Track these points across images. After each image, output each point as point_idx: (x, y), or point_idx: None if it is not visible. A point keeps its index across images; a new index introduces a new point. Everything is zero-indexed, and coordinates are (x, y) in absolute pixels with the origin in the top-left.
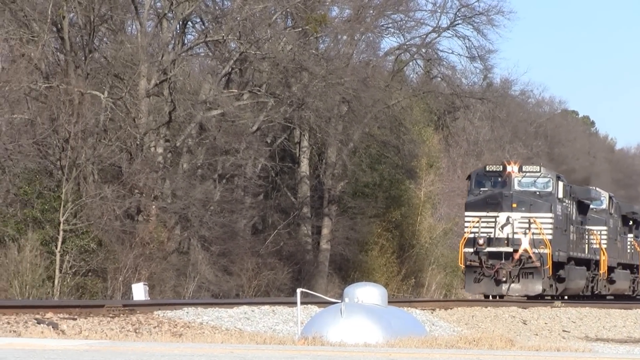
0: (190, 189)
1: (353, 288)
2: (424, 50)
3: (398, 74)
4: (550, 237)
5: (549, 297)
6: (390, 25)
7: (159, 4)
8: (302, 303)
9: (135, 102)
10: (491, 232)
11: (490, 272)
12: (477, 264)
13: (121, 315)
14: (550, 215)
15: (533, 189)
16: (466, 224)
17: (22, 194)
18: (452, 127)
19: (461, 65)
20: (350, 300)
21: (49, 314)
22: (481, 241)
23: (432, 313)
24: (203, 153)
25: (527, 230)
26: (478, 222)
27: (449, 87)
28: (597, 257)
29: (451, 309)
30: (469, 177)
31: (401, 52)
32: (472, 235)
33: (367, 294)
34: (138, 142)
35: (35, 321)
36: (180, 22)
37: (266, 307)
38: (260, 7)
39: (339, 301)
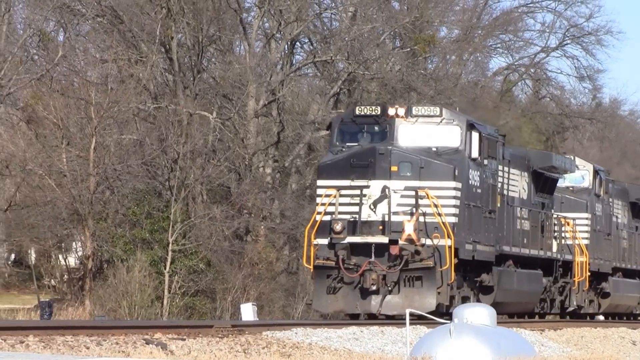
0: (299, 209)
1: (462, 309)
2: (532, 70)
3: (507, 94)
4: (454, 219)
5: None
6: (499, 45)
7: (267, 25)
8: (411, 324)
9: (243, 123)
10: (356, 213)
11: (352, 277)
12: (333, 264)
13: (230, 335)
14: (453, 185)
15: (429, 143)
16: (318, 200)
17: (131, 215)
18: (561, 148)
19: (570, 85)
20: (460, 321)
21: (158, 334)
22: (339, 227)
23: (541, 334)
24: (312, 173)
25: (415, 210)
26: (336, 196)
27: (558, 107)
28: (568, 257)
29: (560, 329)
30: (329, 127)
31: (510, 72)
32: (327, 218)
33: (476, 314)
34: (247, 162)
35: (144, 341)
36: (289, 43)
37: (375, 327)
38: (369, 28)
39: (448, 322)
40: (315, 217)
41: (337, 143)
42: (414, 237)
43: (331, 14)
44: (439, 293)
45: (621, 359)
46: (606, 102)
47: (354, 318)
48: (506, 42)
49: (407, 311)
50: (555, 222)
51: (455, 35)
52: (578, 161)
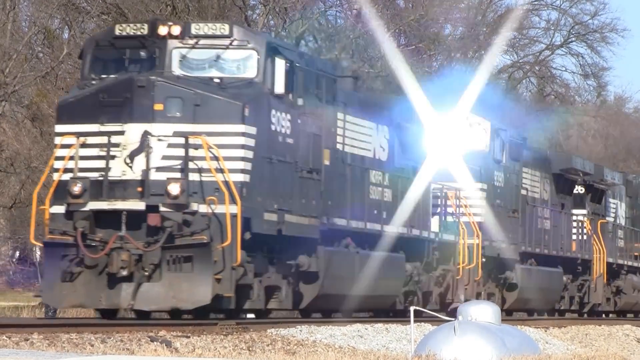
0: None
1: (467, 306)
2: (537, 68)
3: (511, 91)
4: (242, 177)
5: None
6: (504, 42)
7: (272, 22)
8: (415, 321)
9: None
10: (104, 170)
11: (95, 258)
12: (71, 240)
13: (234, 333)
14: (242, 129)
15: (211, 72)
16: (56, 151)
17: None
18: (566, 145)
19: (575, 82)
20: (464, 319)
21: (162, 332)
22: (77, 188)
23: (545, 331)
24: None
25: (185, 164)
26: (76, 146)
27: (563, 104)
28: (449, 238)
29: (565, 327)
30: (81, 54)
31: (514, 69)
32: (65, 178)
33: (481, 312)
34: None
35: (149, 339)
36: (294, 41)
37: (379, 325)
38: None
39: (453, 319)
40: (55, 178)
41: (89, 75)
42: (181, 201)
43: (336, 11)
44: (217, 280)
45: (626, 357)
46: (611, 100)
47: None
48: (511, 40)
49: (412, 309)
50: (440, 195)
51: (460, 33)
52: (472, 117)
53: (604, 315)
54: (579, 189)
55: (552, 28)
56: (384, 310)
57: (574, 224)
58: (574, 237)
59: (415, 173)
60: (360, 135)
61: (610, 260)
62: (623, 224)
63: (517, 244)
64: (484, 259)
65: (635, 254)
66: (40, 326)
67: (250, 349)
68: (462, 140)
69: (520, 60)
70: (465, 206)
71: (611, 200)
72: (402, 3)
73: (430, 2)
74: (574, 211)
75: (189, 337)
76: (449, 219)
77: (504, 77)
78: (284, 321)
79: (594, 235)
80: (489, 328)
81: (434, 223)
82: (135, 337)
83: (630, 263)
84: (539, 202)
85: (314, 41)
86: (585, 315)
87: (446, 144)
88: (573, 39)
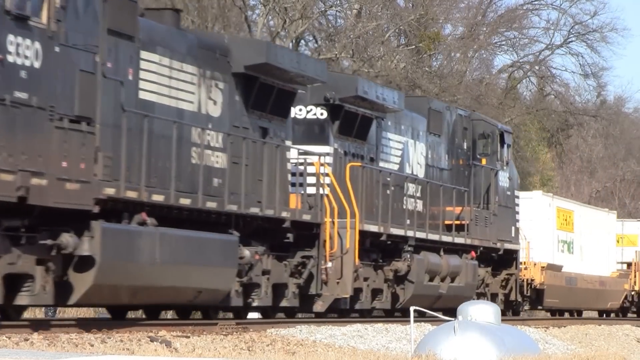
0: None
1: (466, 306)
2: (537, 67)
3: (511, 91)
4: None
5: None
6: (504, 42)
7: (272, 23)
8: (415, 321)
9: None
10: None
11: None
12: None
13: (234, 333)
14: None
15: None
16: None
17: None
18: (566, 145)
19: (574, 82)
20: (464, 318)
21: (162, 332)
22: None
23: (545, 331)
24: None
25: None
26: None
27: (563, 104)
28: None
29: (565, 326)
30: None
31: (514, 69)
32: None
33: (481, 312)
34: None
35: (149, 339)
36: (294, 40)
37: (379, 325)
38: (374, 25)
39: (453, 319)
40: None
41: None
42: None
43: (336, 11)
44: None
45: (626, 357)
46: (611, 100)
47: (364, 315)
48: (511, 40)
49: (412, 309)
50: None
51: (460, 33)
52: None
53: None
54: (311, 112)
55: (552, 28)
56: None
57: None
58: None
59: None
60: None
61: (375, 228)
62: (421, 175)
63: None
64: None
65: (448, 222)
66: (40, 326)
67: (250, 349)
68: None
69: (520, 60)
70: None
71: (392, 136)
72: (402, 2)
73: (430, 2)
74: (308, 147)
75: (188, 337)
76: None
77: (504, 77)
78: (284, 321)
79: (338, 187)
80: (488, 328)
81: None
82: (135, 337)
83: (426, 236)
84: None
85: (313, 41)
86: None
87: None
88: (573, 38)
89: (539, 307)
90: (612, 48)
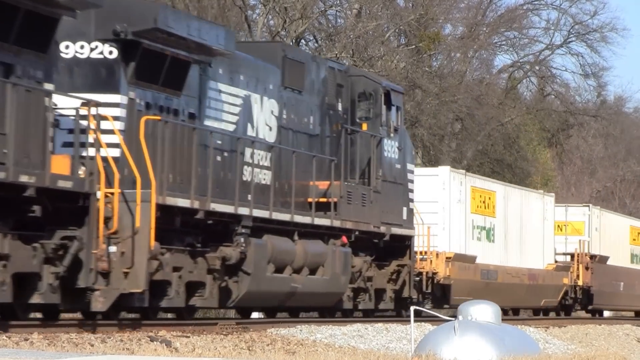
0: None
1: (467, 306)
2: (537, 67)
3: (511, 91)
4: None
5: None
6: (504, 42)
7: (272, 22)
8: (415, 321)
9: None
10: None
11: None
12: None
13: (234, 333)
14: None
15: None
16: None
17: None
18: (566, 145)
19: (575, 82)
20: (464, 318)
21: (162, 332)
22: None
23: (545, 331)
24: None
25: None
26: None
27: (563, 104)
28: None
29: (565, 326)
30: None
31: (514, 69)
32: None
33: (481, 311)
34: None
35: (149, 339)
36: (294, 40)
37: (379, 324)
38: (374, 25)
39: (453, 319)
40: None
41: None
42: None
43: (336, 11)
44: None
45: (626, 356)
46: (611, 100)
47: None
48: (511, 40)
49: (412, 308)
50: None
51: (460, 33)
52: None
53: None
54: (97, 51)
55: (552, 28)
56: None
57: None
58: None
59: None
60: None
61: (186, 203)
62: (271, 139)
63: None
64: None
65: (310, 200)
66: (40, 326)
67: (250, 348)
68: None
69: (520, 60)
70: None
71: (225, 88)
72: (402, 2)
73: (430, 2)
74: (89, 96)
75: (188, 337)
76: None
77: (504, 77)
78: (284, 321)
79: (127, 148)
80: (489, 328)
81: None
82: (135, 337)
83: (269, 215)
84: None
85: (314, 41)
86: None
87: None
88: (573, 38)
89: (446, 306)
90: (612, 48)
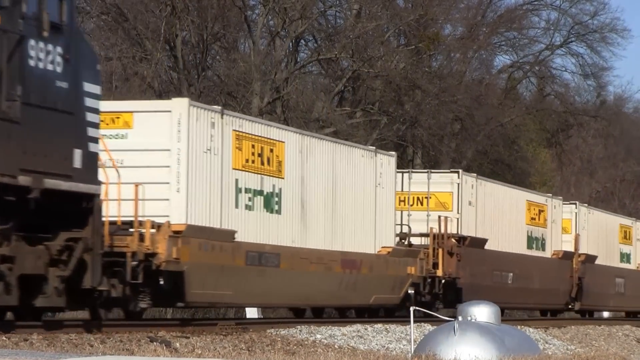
0: None
1: (467, 306)
2: (537, 67)
3: (511, 91)
4: None
5: None
6: (504, 42)
7: (271, 22)
8: (415, 321)
9: None
10: None
11: None
12: None
13: (234, 333)
14: None
15: None
16: None
17: None
18: (565, 145)
19: (574, 82)
20: (464, 319)
21: (162, 332)
22: None
23: (545, 331)
24: None
25: None
26: None
27: (562, 104)
28: None
29: (565, 327)
30: None
31: (514, 69)
32: None
33: (481, 312)
34: None
35: (148, 339)
36: (293, 40)
37: (379, 325)
38: (373, 25)
39: (453, 319)
40: None
41: None
42: None
43: (336, 11)
44: None
45: (626, 357)
46: (611, 100)
47: (359, 315)
48: (511, 40)
49: (412, 309)
50: None
51: (459, 33)
52: None
53: None
54: None
55: (552, 28)
56: None
57: None
58: None
59: None
60: None
61: None
62: None
63: None
64: None
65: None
66: (40, 327)
67: (250, 349)
68: None
69: (520, 60)
70: None
71: None
72: (401, 3)
73: (430, 2)
74: None
75: (188, 337)
76: None
77: (503, 77)
78: (284, 321)
79: None
80: (488, 328)
81: None
82: (135, 338)
83: None
84: None
85: (313, 41)
86: None
87: None
88: (573, 39)
89: (179, 305)
90: (612, 48)
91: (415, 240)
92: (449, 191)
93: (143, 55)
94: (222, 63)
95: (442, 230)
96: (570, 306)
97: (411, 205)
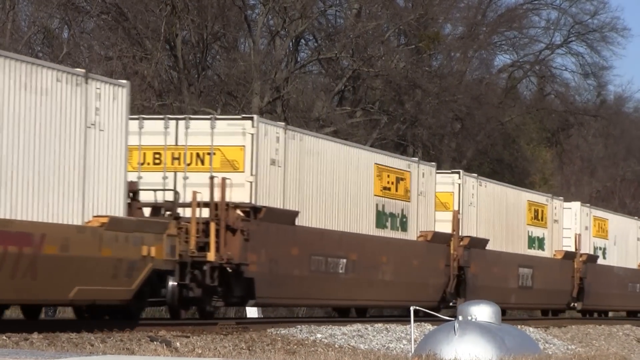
0: None
1: (467, 306)
2: (537, 67)
3: (511, 91)
4: None
5: None
6: (504, 42)
7: (271, 22)
8: (415, 321)
9: None
10: None
11: None
12: None
13: (234, 333)
14: None
15: None
16: None
17: None
18: (566, 144)
19: (575, 82)
20: (464, 318)
21: (162, 332)
22: None
23: (545, 331)
24: None
25: None
26: None
27: (563, 104)
28: None
29: (565, 326)
30: None
31: (514, 69)
32: None
33: (481, 311)
34: None
35: (149, 339)
36: (293, 40)
37: (379, 325)
38: (373, 25)
39: (453, 319)
40: None
41: None
42: None
43: (336, 11)
44: None
45: (626, 356)
46: (611, 99)
47: (360, 315)
48: (511, 39)
49: (412, 308)
50: None
51: (460, 32)
52: None
53: None
54: None
55: (552, 27)
56: None
57: None
58: None
59: None
60: None
61: None
62: None
63: None
64: None
65: None
66: (40, 326)
67: (250, 348)
68: None
69: (521, 60)
70: None
71: None
72: (401, 2)
73: (430, 2)
74: None
75: (188, 337)
76: None
77: (503, 76)
78: (284, 321)
79: None
80: (488, 328)
81: None
82: (135, 337)
83: None
84: None
85: (313, 40)
86: None
87: None
88: (573, 38)
89: None
90: (612, 48)
91: (190, 213)
92: (240, 145)
93: (143, 54)
94: (222, 62)
95: (220, 198)
96: (453, 303)
97: (188, 165)
